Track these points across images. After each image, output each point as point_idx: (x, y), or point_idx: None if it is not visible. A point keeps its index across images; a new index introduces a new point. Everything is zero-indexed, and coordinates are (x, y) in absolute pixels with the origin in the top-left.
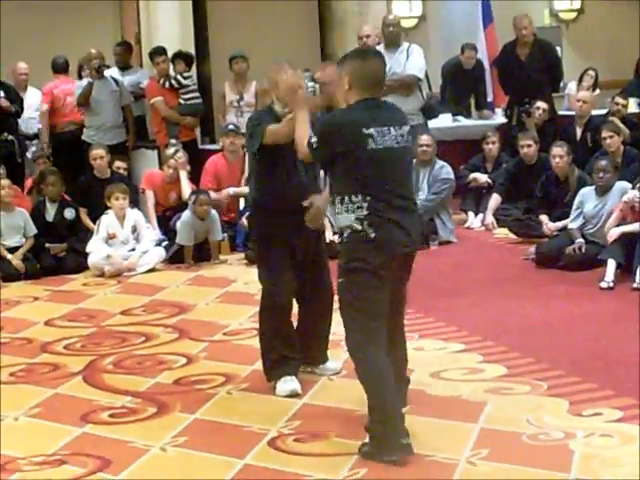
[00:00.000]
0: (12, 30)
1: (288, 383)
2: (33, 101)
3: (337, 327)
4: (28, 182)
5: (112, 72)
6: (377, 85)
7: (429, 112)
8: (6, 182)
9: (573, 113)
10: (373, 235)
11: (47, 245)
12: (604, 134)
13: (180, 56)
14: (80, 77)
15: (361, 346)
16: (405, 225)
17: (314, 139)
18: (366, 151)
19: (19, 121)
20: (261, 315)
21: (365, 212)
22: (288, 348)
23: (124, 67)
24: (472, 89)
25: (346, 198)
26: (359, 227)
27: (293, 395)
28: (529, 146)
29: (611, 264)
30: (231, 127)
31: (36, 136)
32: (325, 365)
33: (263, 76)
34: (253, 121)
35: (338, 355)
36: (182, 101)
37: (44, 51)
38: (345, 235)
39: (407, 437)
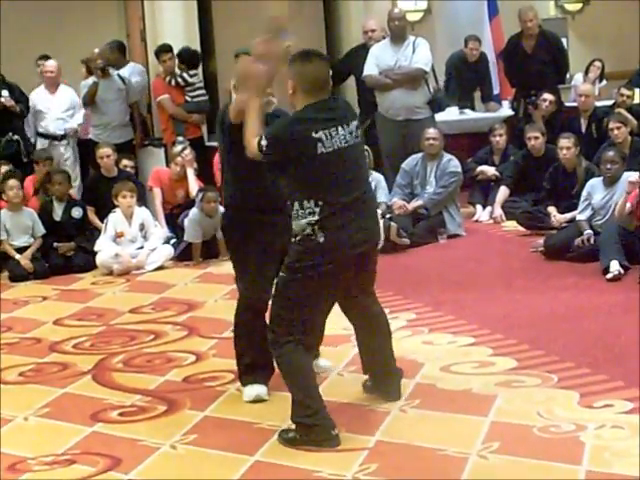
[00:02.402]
0: (16, 29)
1: (255, 388)
2: (64, 100)
3: (346, 322)
4: (28, 182)
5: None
6: (322, 87)
7: (436, 105)
8: (15, 182)
9: None
10: (322, 240)
11: (55, 244)
12: (611, 125)
13: (186, 53)
14: (90, 74)
15: (284, 341)
16: (359, 224)
17: (264, 142)
18: (316, 156)
19: (46, 121)
20: (236, 317)
21: (317, 217)
22: (260, 354)
23: (119, 66)
24: (477, 82)
25: (297, 203)
26: (310, 231)
27: (257, 400)
28: (536, 138)
29: (614, 262)
30: None
31: (64, 137)
32: (316, 362)
33: None
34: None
35: (347, 350)
36: (188, 98)
37: (48, 50)
38: (297, 239)
39: (335, 428)
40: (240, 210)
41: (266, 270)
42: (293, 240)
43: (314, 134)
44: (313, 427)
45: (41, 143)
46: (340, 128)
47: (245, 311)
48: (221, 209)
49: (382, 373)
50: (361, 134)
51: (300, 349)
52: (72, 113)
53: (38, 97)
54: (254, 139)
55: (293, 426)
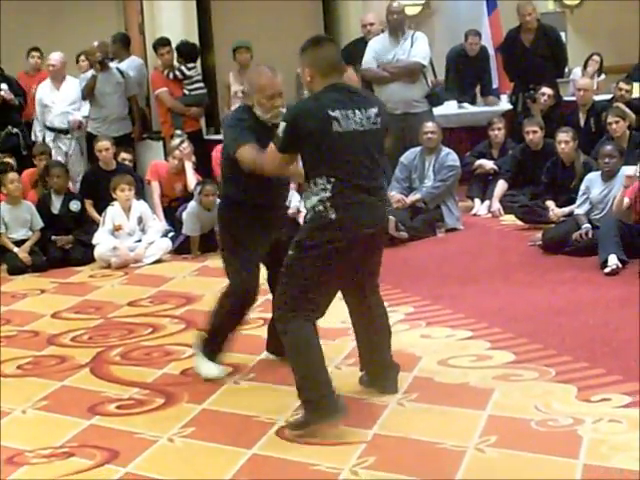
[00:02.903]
0: (15, 23)
1: (219, 369)
2: (69, 94)
3: (344, 315)
4: (25, 175)
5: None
6: (336, 69)
7: (434, 99)
8: (14, 176)
9: None
10: (333, 216)
11: (53, 237)
12: (610, 119)
13: (184, 46)
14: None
15: (292, 316)
16: (368, 206)
17: (280, 129)
18: (330, 134)
19: (51, 115)
20: (225, 299)
21: (328, 194)
22: (226, 339)
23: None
24: (477, 76)
25: (312, 181)
26: (321, 208)
27: (216, 378)
28: (535, 132)
29: (612, 256)
30: None
31: (68, 131)
32: None
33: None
34: (233, 120)
35: (345, 343)
36: (187, 92)
37: (47, 45)
38: (308, 216)
39: (341, 399)
40: (238, 205)
41: (255, 261)
42: (305, 215)
43: (330, 112)
44: (322, 400)
45: (48, 135)
46: (357, 111)
47: (233, 296)
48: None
49: (379, 368)
50: (382, 122)
51: (308, 325)
52: (78, 106)
53: (43, 90)
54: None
55: (292, 419)
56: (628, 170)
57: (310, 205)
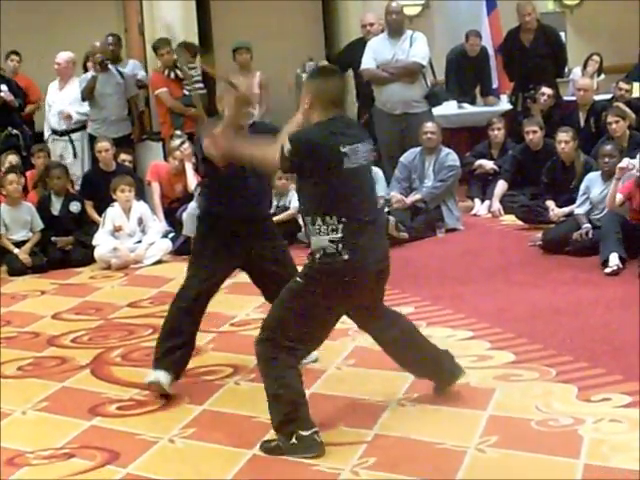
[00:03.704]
0: (14, 24)
1: (164, 375)
2: (69, 94)
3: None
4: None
5: None
6: (339, 104)
7: (433, 99)
8: (13, 177)
9: None
10: (346, 257)
11: (53, 238)
12: (610, 119)
13: (184, 47)
14: (85, 70)
15: (279, 350)
16: (376, 243)
17: (288, 146)
18: (342, 170)
19: (50, 115)
20: (179, 301)
21: (340, 235)
22: (181, 344)
23: (114, 60)
24: (477, 76)
25: (319, 219)
26: (333, 250)
27: (160, 387)
28: (534, 132)
29: (613, 255)
30: None
31: (66, 132)
32: None
33: (267, 67)
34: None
35: (345, 344)
36: (187, 92)
37: (46, 44)
38: (317, 256)
39: (318, 434)
40: (218, 218)
41: (215, 271)
42: (313, 256)
43: (342, 148)
44: (299, 434)
45: (52, 137)
46: (361, 145)
47: (178, 300)
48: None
49: (436, 365)
50: (373, 155)
51: (294, 364)
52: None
53: (50, 90)
54: (272, 150)
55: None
56: (622, 162)
57: (320, 245)
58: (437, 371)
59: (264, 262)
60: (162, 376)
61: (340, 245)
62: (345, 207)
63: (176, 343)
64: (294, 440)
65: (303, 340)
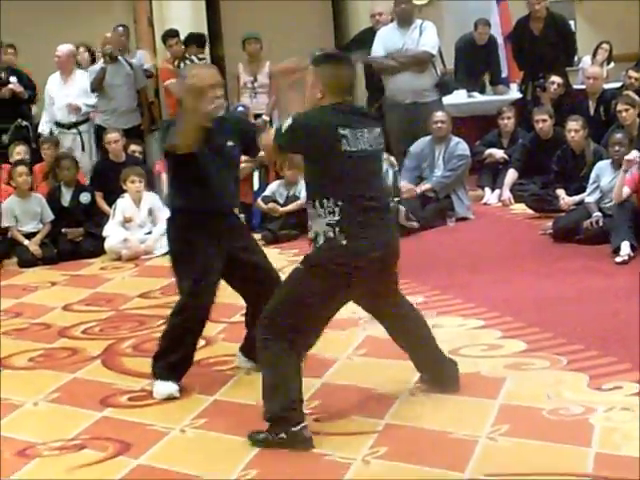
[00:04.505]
0: (24, 15)
1: (169, 386)
2: (75, 87)
3: (354, 305)
4: (37, 169)
5: None
6: (348, 91)
7: (443, 88)
8: (23, 169)
9: None
10: (345, 242)
11: (64, 230)
12: (619, 107)
13: (193, 38)
14: (94, 61)
15: (277, 340)
16: (377, 229)
17: (285, 126)
18: (340, 153)
19: (55, 107)
20: (172, 317)
21: (337, 217)
22: (185, 356)
23: (123, 50)
24: (486, 65)
25: (317, 202)
26: (331, 234)
27: (169, 398)
28: (544, 121)
29: (625, 244)
30: (241, 108)
31: (74, 125)
32: None
33: (277, 57)
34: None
35: (355, 334)
36: None
37: (55, 37)
38: (320, 240)
39: (306, 429)
40: (188, 213)
41: (209, 274)
42: (314, 239)
43: (341, 130)
44: (289, 429)
45: (54, 130)
46: (366, 131)
47: (182, 313)
48: None
49: (436, 366)
50: (382, 143)
51: (292, 354)
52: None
53: (51, 83)
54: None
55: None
56: (629, 154)
57: (319, 229)
58: (437, 373)
59: (245, 254)
60: (173, 389)
61: (337, 229)
62: (343, 190)
63: (179, 356)
64: (283, 434)
65: (300, 328)
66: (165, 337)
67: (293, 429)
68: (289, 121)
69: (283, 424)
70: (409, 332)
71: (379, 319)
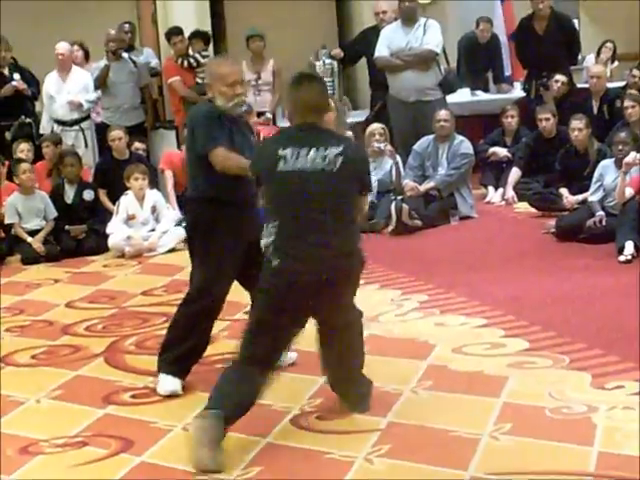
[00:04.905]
0: (28, 13)
1: (174, 382)
2: (75, 85)
3: (359, 304)
4: (38, 165)
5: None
6: (313, 111)
7: (447, 87)
8: (27, 166)
9: None
10: (275, 263)
11: (67, 227)
12: (626, 104)
13: (197, 35)
14: (87, 59)
15: (237, 362)
16: (318, 251)
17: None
18: (274, 173)
19: (56, 106)
20: (182, 307)
21: (273, 237)
22: (192, 350)
23: (128, 48)
24: (488, 63)
25: (265, 222)
26: (269, 255)
27: (173, 395)
28: (547, 120)
29: (629, 243)
30: (245, 107)
31: (75, 122)
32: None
33: (281, 55)
34: (200, 119)
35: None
36: (200, 80)
37: (59, 34)
38: (265, 262)
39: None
40: (209, 202)
41: (225, 267)
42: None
43: (280, 151)
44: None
45: (56, 129)
46: (313, 150)
47: (193, 304)
48: None
49: (346, 381)
50: (340, 164)
51: (247, 374)
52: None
53: (49, 82)
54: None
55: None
56: (628, 157)
57: (263, 245)
58: (347, 390)
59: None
60: (177, 386)
61: (272, 248)
62: (280, 211)
63: (185, 349)
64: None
65: (262, 350)
66: (171, 328)
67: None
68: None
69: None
70: (331, 347)
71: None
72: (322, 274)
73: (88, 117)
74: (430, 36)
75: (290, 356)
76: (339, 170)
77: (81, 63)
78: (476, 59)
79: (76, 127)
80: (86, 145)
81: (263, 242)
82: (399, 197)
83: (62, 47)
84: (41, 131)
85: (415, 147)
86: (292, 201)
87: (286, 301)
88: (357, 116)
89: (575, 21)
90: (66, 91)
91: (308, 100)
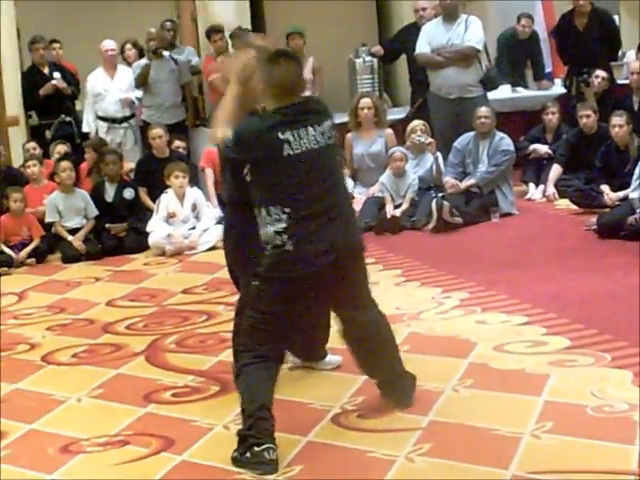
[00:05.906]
0: (70, 12)
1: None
2: (123, 82)
3: (399, 302)
4: (83, 167)
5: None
6: (291, 90)
7: (489, 83)
8: (66, 164)
9: None
10: (290, 248)
11: (107, 225)
12: None
13: (241, 31)
14: (141, 56)
15: (250, 356)
16: (327, 234)
17: (230, 140)
18: (282, 158)
19: (105, 103)
20: (238, 316)
21: (284, 224)
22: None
23: (169, 47)
24: (528, 59)
25: (263, 209)
26: (279, 242)
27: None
28: (588, 116)
29: None
30: None
31: (125, 119)
32: (324, 360)
33: (320, 52)
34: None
35: (400, 329)
36: None
37: (100, 32)
38: (267, 249)
39: (274, 452)
40: (245, 206)
41: None
42: (264, 251)
43: (280, 135)
44: (253, 449)
45: (101, 127)
46: (311, 129)
47: (240, 313)
48: None
49: (389, 381)
50: (334, 135)
51: (263, 367)
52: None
53: (96, 79)
54: (220, 130)
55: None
56: None
57: (267, 237)
58: (390, 389)
59: None
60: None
61: (285, 236)
62: (289, 196)
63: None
64: (248, 454)
65: (272, 342)
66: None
67: (256, 449)
68: (230, 138)
69: (248, 444)
70: (364, 346)
71: (339, 320)
72: (340, 253)
73: (134, 115)
74: (471, 33)
75: (336, 359)
76: (335, 142)
77: (134, 62)
78: (516, 55)
79: (125, 124)
80: (135, 142)
81: (265, 231)
82: (440, 194)
83: (111, 44)
84: (84, 129)
85: (456, 144)
86: (303, 182)
87: (304, 286)
88: (397, 113)
89: (615, 17)
90: (116, 88)
91: (288, 79)
